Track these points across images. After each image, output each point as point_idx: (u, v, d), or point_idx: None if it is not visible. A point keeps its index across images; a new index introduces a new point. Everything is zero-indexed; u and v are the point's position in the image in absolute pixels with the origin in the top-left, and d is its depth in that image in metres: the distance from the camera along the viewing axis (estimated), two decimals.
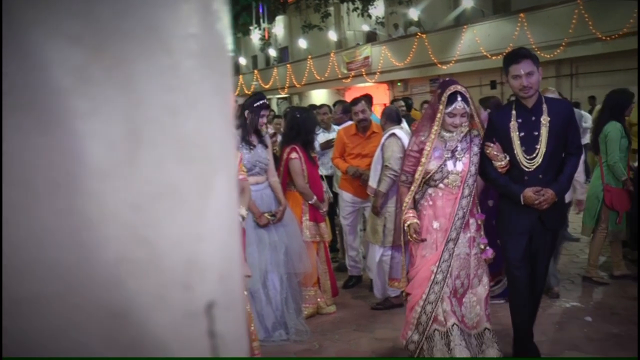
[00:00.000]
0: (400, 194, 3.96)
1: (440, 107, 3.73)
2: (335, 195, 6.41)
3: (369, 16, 20.17)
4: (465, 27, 18.13)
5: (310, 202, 5.16)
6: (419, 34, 19.65)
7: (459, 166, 3.76)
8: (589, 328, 4.56)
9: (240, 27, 20.54)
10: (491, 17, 18.11)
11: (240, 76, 31.13)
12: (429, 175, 3.79)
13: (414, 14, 20.33)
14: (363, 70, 22.43)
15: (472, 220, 3.83)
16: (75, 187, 0.52)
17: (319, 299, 5.31)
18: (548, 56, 14.94)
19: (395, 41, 21.34)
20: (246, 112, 4.75)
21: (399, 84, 22.17)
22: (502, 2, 19.32)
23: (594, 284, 5.69)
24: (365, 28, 24.54)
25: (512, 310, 3.92)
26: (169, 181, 0.55)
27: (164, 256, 0.55)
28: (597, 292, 5.54)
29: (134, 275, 0.53)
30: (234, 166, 0.64)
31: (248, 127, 4.74)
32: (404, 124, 6.09)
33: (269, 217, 4.75)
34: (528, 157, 3.66)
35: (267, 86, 28.25)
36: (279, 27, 28.55)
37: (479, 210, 3.94)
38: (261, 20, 19.55)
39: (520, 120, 3.69)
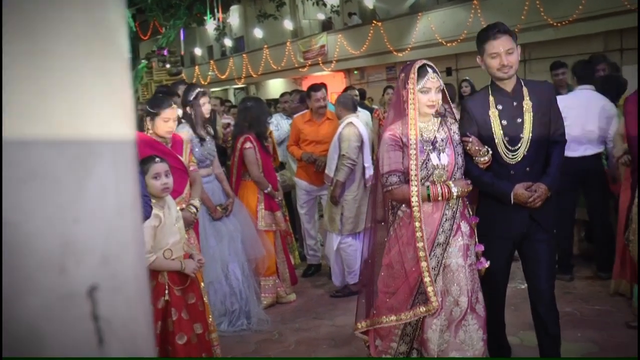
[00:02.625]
0: (400, 194, 3.18)
1: (410, 85, 3.13)
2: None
3: (324, 5, 20.10)
4: (420, 14, 18.24)
5: (265, 191, 5.16)
6: (375, 21, 19.69)
7: (444, 159, 3.20)
8: None
9: (195, 17, 20.25)
10: (445, 5, 18.23)
11: (196, 67, 30.79)
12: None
13: (369, 2, 20.36)
14: (319, 59, 22.38)
15: (463, 224, 3.26)
16: None
17: (278, 288, 5.33)
18: None
19: (351, 29, 21.33)
20: (188, 108, 4.74)
21: (355, 72, 22.21)
22: None
23: None
24: (321, 17, 24.46)
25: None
26: (37, 164, 0.54)
27: (35, 239, 0.53)
28: None
29: None
30: (129, 148, 0.62)
31: (195, 121, 4.71)
32: (361, 112, 6.12)
33: (221, 210, 4.75)
34: (511, 149, 3.23)
35: (223, 77, 27.99)
36: (234, 17, 28.18)
37: (471, 212, 3.38)
38: (215, 10, 19.32)
39: (500, 107, 3.25)
